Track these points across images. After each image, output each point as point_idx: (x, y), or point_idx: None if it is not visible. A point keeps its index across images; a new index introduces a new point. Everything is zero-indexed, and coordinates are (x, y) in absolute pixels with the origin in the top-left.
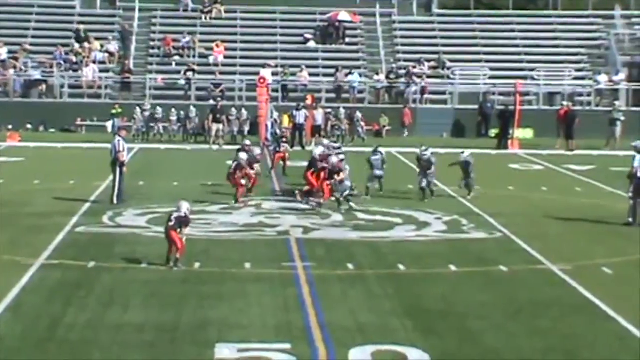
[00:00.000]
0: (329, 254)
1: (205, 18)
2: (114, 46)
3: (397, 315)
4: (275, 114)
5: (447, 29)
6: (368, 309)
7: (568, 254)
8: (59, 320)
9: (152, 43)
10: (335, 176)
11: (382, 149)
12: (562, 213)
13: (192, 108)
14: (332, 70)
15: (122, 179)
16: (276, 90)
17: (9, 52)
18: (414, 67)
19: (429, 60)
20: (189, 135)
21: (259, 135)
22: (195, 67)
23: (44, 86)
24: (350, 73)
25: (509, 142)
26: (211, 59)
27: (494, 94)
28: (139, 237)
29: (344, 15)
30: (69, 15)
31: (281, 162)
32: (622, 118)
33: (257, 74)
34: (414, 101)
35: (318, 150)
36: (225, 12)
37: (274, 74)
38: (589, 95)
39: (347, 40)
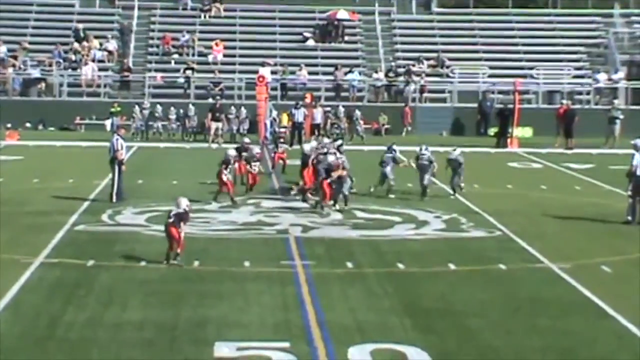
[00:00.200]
0: (328, 252)
1: (205, 16)
2: (113, 45)
3: (396, 313)
4: (275, 113)
5: (446, 27)
6: (367, 307)
7: (567, 253)
8: (58, 318)
9: (151, 41)
10: (333, 174)
11: (396, 147)
12: (561, 211)
13: (191, 106)
14: (331, 69)
15: (120, 178)
16: (275, 89)
17: (8, 50)
18: (413, 66)
19: (428, 59)
20: (188, 134)
21: (258, 134)
22: (195, 66)
23: (43, 84)
24: (349, 71)
25: (508, 140)
26: (210, 58)
27: (493, 92)
28: (138, 235)
29: (343, 13)
30: (68, 13)
31: (281, 162)
32: (621, 116)
33: (256, 72)
34: (413, 100)
35: (307, 146)
36: (225, 10)
37: (273, 72)
38: (588, 93)
39: (346, 38)
